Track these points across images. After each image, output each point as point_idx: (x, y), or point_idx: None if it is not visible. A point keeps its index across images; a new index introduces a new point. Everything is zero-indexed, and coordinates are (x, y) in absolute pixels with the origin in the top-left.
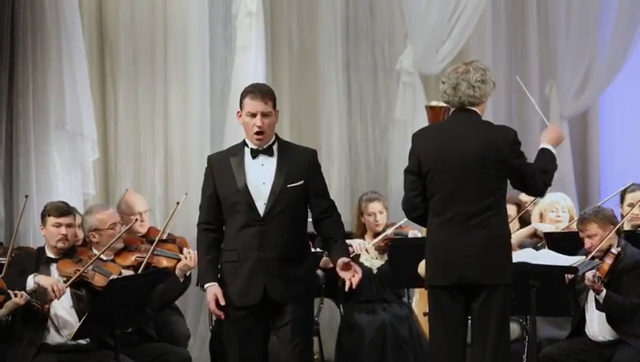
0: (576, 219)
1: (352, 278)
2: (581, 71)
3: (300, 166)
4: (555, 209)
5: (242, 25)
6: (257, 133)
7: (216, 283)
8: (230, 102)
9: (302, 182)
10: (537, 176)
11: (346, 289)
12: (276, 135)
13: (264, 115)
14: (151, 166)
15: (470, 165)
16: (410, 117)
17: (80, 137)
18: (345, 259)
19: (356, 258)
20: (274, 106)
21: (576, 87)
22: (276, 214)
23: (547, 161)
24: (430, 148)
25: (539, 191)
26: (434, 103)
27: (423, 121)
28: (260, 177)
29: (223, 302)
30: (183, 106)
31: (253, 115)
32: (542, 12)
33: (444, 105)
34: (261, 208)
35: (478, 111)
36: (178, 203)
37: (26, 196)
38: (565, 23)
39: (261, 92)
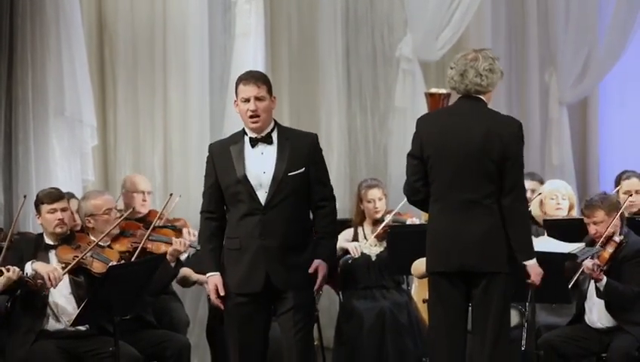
0: (576, 206)
1: (317, 283)
2: (581, 58)
3: (300, 152)
4: (555, 196)
5: (242, 12)
6: (252, 117)
7: (217, 273)
8: (230, 90)
9: (303, 169)
10: (523, 192)
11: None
12: (275, 121)
13: (257, 98)
14: (150, 153)
15: (472, 152)
16: (409, 104)
17: (79, 124)
18: (313, 269)
19: (358, 259)
20: (268, 91)
21: (575, 75)
22: (277, 203)
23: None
24: (433, 134)
25: (517, 202)
26: (433, 90)
27: (422, 109)
28: (260, 166)
29: (222, 293)
30: (182, 93)
31: (247, 100)
32: None
33: (444, 92)
34: (262, 197)
35: (484, 99)
36: (171, 194)
37: (25, 196)
38: (565, 10)
39: (254, 77)
